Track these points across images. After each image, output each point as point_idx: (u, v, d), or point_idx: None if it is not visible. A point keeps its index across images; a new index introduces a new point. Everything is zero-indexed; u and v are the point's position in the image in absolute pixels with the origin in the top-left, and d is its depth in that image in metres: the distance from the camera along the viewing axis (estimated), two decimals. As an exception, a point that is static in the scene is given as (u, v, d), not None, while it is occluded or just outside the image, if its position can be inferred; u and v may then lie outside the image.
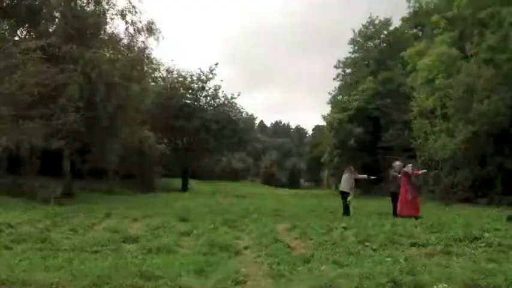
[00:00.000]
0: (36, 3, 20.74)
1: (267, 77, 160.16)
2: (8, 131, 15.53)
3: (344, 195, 13.41)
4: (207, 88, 39.20)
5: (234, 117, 40.43)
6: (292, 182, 69.26)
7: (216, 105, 39.83)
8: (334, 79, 44.99)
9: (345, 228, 8.83)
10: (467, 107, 21.69)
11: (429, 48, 26.94)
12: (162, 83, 37.52)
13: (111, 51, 22.42)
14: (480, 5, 22.97)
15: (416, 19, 35.22)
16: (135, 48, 22.48)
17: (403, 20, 38.59)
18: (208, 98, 39.78)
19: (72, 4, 20.61)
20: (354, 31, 42.15)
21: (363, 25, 41.62)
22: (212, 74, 38.65)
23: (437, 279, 4.54)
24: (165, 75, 38.17)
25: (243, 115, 43.18)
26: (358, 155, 37.61)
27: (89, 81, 19.50)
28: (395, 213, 12.46)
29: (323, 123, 48.79)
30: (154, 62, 30.03)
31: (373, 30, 41.40)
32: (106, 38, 22.60)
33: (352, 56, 43.03)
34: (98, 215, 11.87)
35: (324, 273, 4.91)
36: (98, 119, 20.35)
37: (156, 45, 35.61)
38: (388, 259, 5.76)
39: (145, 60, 23.66)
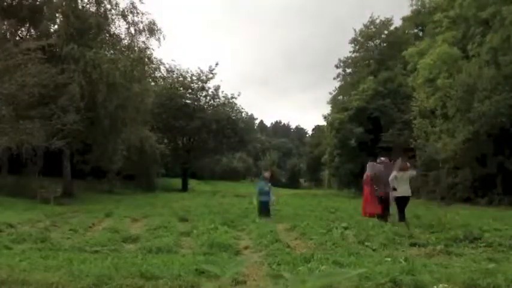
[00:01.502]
0: (38, 3, 20.77)
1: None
2: (9, 131, 15.53)
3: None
4: (207, 88, 39.24)
5: (234, 117, 40.44)
6: (292, 182, 69.26)
7: (216, 105, 39.85)
8: (334, 79, 45.05)
9: (345, 228, 8.83)
10: (468, 107, 21.70)
11: (430, 47, 26.95)
12: (162, 83, 37.53)
13: (112, 51, 22.45)
14: (482, 4, 22.96)
15: (418, 18, 35.28)
16: (136, 48, 22.51)
17: (404, 19, 38.66)
18: (208, 97, 39.81)
19: (74, 4, 20.64)
20: (354, 30, 42.20)
21: (364, 25, 41.65)
22: (212, 73, 38.70)
23: (437, 279, 4.54)
24: (165, 75, 38.19)
25: (243, 115, 43.22)
26: (358, 155, 37.64)
27: (90, 82, 19.53)
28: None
29: (323, 123, 48.87)
30: (154, 61, 30.07)
31: (373, 29, 41.41)
32: (107, 38, 22.64)
33: (353, 55, 43.04)
34: (98, 215, 11.88)
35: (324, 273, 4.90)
36: (99, 119, 20.37)
37: (157, 45, 35.59)
38: (388, 259, 5.76)
39: (146, 60, 23.69)
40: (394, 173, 10.23)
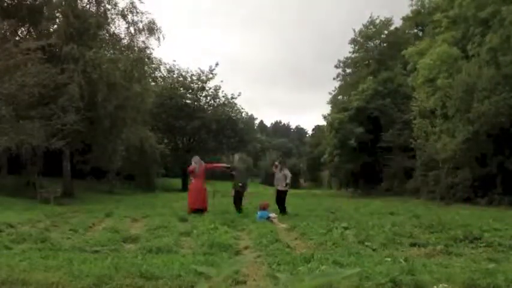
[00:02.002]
0: (37, 3, 20.77)
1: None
2: (9, 131, 15.53)
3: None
4: (207, 88, 39.25)
5: (234, 117, 40.46)
6: (292, 182, 69.14)
7: (216, 105, 39.86)
8: (334, 79, 45.06)
9: (345, 228, 8.82)
10: (468, 107, 21.70)
11: (430, 47, 26.96)
12: (162, 83, 37.56)
13: (111, 51, 22.45)
14: (481, 4, 22.97)
15: (418, 18, 35.30)
16: (136, 48, 22.51)
17: (404, 19, 38.66)
18: (208, 98, 39.83)
19: (74, 4, 20.64)
20: (354, 31, 42.19)
21: (364, 25, 41.62)
22: (212, 73, 38.72)
23: (437, 279, 4.54)
24: (165, 74, 38.24)
25: (243, 115, 43.24)
26: (358, 155, 37.66)
27: (90, 81, 19.53)
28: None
29: (323, 123, 48.88)
30: (154, 61, 30.09)
31: (373, 30, 41.40)
32: (107, 38, 22.64)
33: (353, 55, 43.03)
34: (98, 215, 11.87)
35: (321, 273, 4.90)
36: (99, 119, 20.38)
37: (157, 44, 35.60)
38: (388, 259, 5.75)
39: (146, 60, 23.68)
40: (283, 172, 13.03)
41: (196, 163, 13.05)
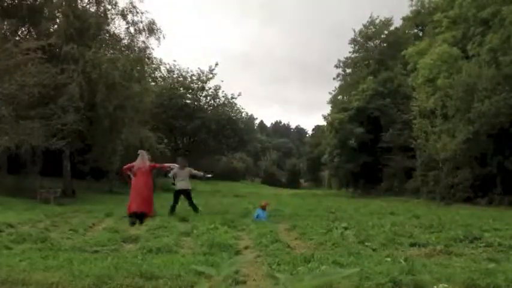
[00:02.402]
0: (37, 3, 20.79)
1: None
2: (9, 131, 15.53)
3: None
4: (207, 88, 39.27)
5: (234, 117, 40.49)
6: (292, 182, 69.27)
7: (216, 105, 39.89)
8: (334, 79, 45.08)
9: (345, 228, 8.81)
10: (468, 107, 21.71)
11: (430, 47, 26.98)
12: (162, 83, 37.58)
13: (111, 51, 22.47)
14: (482, 4, 22.99)
15: (418, 18, 35.32)
16: (136, 48, 22.52)
17: (404, 19, 38.67)
18: (208, 98, 39.84)
19: (74, 4, 20.65)
20: (354, 31, 42.21)
21: (364, 25, 41.66)
22: (212, 73, 38.72)
23: (437, 279, 4.53)
24: (165, 75, 38.25)
25: (243, 115, 43.28)
26: (358, 155, 37.66)
27: (89, 81, 19.54)
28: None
29: (323, 123, 48.92)
30: (154, 61, 30.11)
31: (373, 30, 41.41)
32: (107, 37, 22.65)
33: (353, 56, 43.05)
34: (98, 215, 11.86)
35: (320, 273, 4.89)
36: (99, 119, 20.39)
37: (157, 44, 35.64)
38: (388, 259, 5.75)
39: (146, 60, 23.70)
40: (174, 169, 11.85)
41: (140, 159, 10.78)
